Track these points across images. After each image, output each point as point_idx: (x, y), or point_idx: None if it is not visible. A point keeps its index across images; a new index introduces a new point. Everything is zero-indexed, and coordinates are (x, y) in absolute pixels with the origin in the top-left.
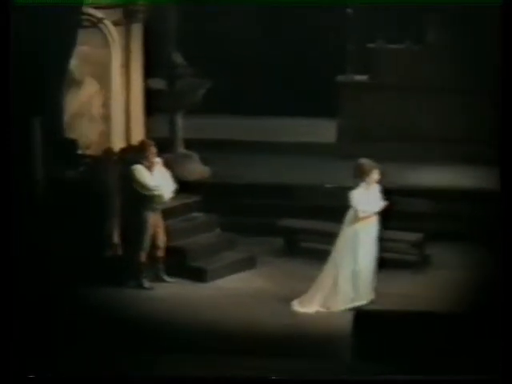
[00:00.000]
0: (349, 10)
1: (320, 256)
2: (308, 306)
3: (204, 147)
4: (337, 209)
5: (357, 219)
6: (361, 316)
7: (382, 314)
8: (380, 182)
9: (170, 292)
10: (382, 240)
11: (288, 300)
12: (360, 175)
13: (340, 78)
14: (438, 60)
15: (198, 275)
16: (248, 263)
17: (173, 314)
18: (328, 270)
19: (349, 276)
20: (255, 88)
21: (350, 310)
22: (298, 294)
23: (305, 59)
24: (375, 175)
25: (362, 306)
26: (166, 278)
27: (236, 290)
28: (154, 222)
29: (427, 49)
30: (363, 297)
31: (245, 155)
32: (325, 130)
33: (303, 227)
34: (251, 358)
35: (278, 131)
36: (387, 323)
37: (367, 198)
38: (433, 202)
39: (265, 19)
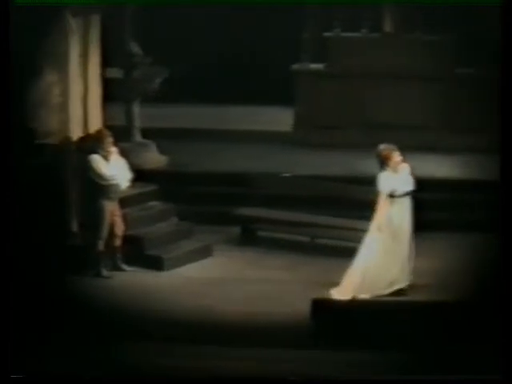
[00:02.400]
0: None
1: (276, 245)
2: (348, 293)
3: (161, 136)
4: (293, 197)
5: (389, 202)
6: (318, 305)
7: (339, 302)
8: (397, 165)
9: (128, 280)
10: (338, 229)
11: (244, 288)
12: (382, 161)
13: (296, 66)
14: (394, 48)
15: (156, 264)
16: (205, 252)
17: (131, 303)
18: (364, 255)
19: (386, 260)
20: (212, 76)
21: (392, 293)
22: (253, 282)
23: (261, 48)
24: (396, 158)
25: (401, 289)
26: (123, 266)
27: (193, 279)
28: (112, 211)
29: (383, 37)
30: (402, 280)
31: (202, 144)
32: (281, 119)
33: (260, 216)
34: (209, 345)
35: (235, 119)
36: (344, 312)
37: (395, 181)
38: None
39: (222, 8)
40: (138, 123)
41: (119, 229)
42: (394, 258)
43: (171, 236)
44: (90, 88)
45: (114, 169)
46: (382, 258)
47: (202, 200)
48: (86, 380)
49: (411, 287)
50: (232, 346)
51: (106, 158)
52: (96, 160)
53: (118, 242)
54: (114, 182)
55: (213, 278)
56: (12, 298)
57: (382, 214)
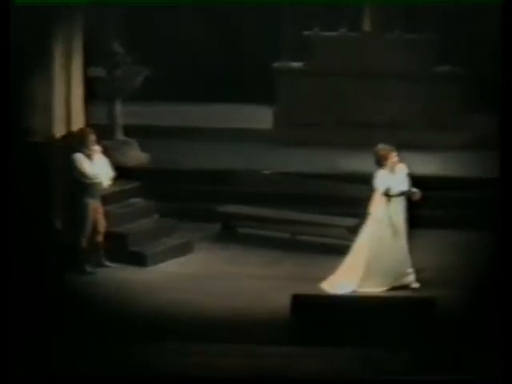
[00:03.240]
0: None
1: (256, 241)
2: (339, 287)
3: (143, 134)
4: (274, 195)
5: (384, 201)
6: (298, 300)
7: (319, 298)
8: (394, 165)
9: (111, 276)
10: (318, 225)
11: (224, 284)
12: (380, 161)
13: (276, 64)
14: (373, 47)
15: (138, 260)
16: (186, 248)
17: (114, 298)
18: (358, 251)
19: (380, 258)
20: (193, 75)
21: (387, 290)
22: (234, 278)
23: (242, 46)
24: (393, 158)
25: (397, 286)
26: (106, 263)
27: (175, 274)
28: (94, 208)
29: (363, 36)
30: (398, 278)
31: (183, 141)
32: (262, 117)
33: (240, 213)
34: (189, 340)
35: (216, 118)
36: (323, 307)
37: (391, 180)
38: (369, 187)
39: (202, 7)
40: (120, 121)
41: (101, 226)
42: (396, 253)
43: (153, 232)
44: (73, 87)
45: (97, 167)
46: (384, 253)
47: (184, 197)
48: (84, 379)
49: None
50: (212, 340)
51: (88, 156)
52: (79, 159)
53: (100, 239)
54: (97, 180)
55: (194, 274)
56: None
57: (378, 211)
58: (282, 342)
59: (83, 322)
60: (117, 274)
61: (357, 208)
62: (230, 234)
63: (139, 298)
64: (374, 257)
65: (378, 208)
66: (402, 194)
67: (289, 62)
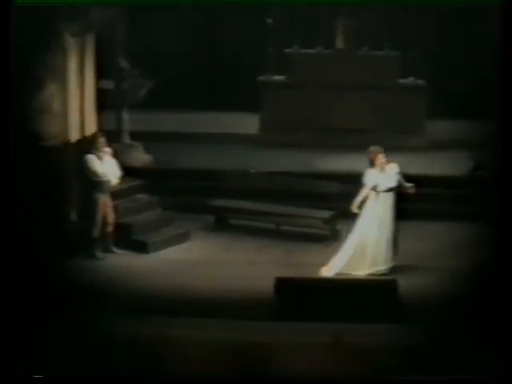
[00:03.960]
0: (269, 20)
1: (245, 231)
2: (334, 271)
3: (146, 138)
4: (260, 190)
5: (373, 196)
6: (281, 282)
7: (299, 280)
8: (384, 165)
9: (118, 261)
10: (298, 217)
11: (218, 268)
12: (371, 161)
13: (262, 78)
14: (345, 62)
15: (142, 247)
16: (184, 237)
17: (120, 280)
18: (351, 241)
19: (367, 247)
20: (191, 87)
21: (370, 274)
22: (226, 263)
23: (232, 63)
24: (381, 158)
25: (380, 271)
26: (114, 249)
27: (173, 260)
28: (104, 202)
29: (336, 53)
30: (380, 264)
31: (182, 144)
32: (249, 123)
33: (231, 206)
34: (187, 317)
35: (209, 124)
36: (304, 288)
37: (380, 178)
38: (342, 184)
39: (199, 29)
40: (126, 127)
41: (110, 218)
42: (381, 243)
43: (155, 223)
44: (86, 97)
45: (106, 167)
46: (371, 243)
47: (182, 193)
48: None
49: (395, 269)
50: (206, 317)
51: (99, 157)
52: (91, 159)
53: (109, 229)
54: (106, 178)
55: (191, 260)
56: (15, 279)
57: (367, 205)
58: (267, 318)
59: (94, 299)
60: (123, 260)
61: (332, 202)
62: (222, 224)
63: (141, 280)
64: (362, 246)
65: (367, 203)
66: (389, 190)
67: (272, 76)
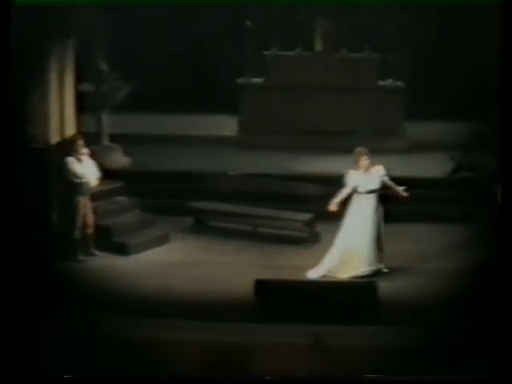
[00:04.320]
0: (248, 23)
1: (224, 233)
2: (320, 273)
3: (125, 140)
4: (238, 192)
5: (355, 197)
6: (261, 284)
7: (278, 282)
8: (368, 167)
9: (99, 264)
10: (277, 219)
11: (197, 270)
12: (355, 162)
13: (241, 80)
14: (324, 64)
15: (122, 249)
16: (163, 239)
17: (101, 282)
18: (337, 242)
19: (351, 248)
20: (169, 89)
21: (353, 277)
22: (205, 265)
23: (211, 65)
24: (364, 161)
25: (364, 273)
26: (95, 252)
27: (153, 262)
28: (84, 204)
29: (315, 55)
30: (364, 266)
31: (160, 147)
32: (228, 125)
33: (210, 208)
34: (167, 319)
35: (188, 126)
36: (283, 290)
37: (362, 179)
38: (322, 186)
39: (179, 31)
40: (106, 130)
41: (90, 219)
42: (364, 245)
43: (135, 225)
44: (66, 100)
45: (85, 169)
46: (354, 244)
47: (161, 195)
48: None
49: (378, 272)
50: (187, 318)
51: (78, 159)
52: (70, 161)
53: (89, 231)
54: (86, 179)
55: (170, 262)
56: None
57: (350, 206)
58: (246, 319)
59: (74, 300)
60: (104, 262)
61: (310, 204)
62: (201, 226)
63: (122, 281)
64: (345, 248)
65: (351, 204)
66: (371, 192)
67: (251, 78)
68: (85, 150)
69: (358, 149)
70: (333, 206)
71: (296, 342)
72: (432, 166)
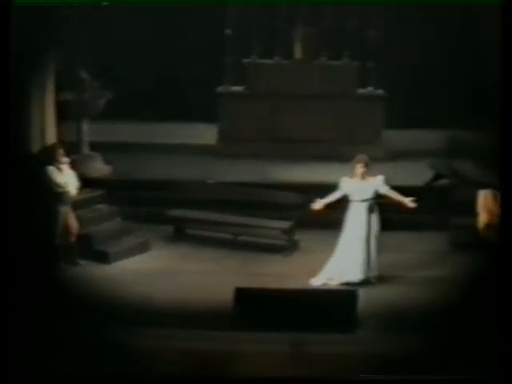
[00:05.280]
0: (227, 31)
1: (203, 241)
2: (321, 281)
3: (106, 148)
4: (218, 201)
5: (349, 205)
6: (240, 292)
7: (258, 290)
8: (364, 175)
9: (80, 271)
10: (257, 227)
11: (177, 278)
12: (353, 169)
13: (220, 88)
14: (303, 72)
15: (103, 257)
16: (144, 247)
17: (84, 290)
18: (337, 250)
19: (343, 256)
20: (148, 98)
21: (344, 284)
22: (185, 273)
23: (190, 73)
24: (359, 169)
25: (353, 281)
26: (78, 261)
27: (134, 270)
28: (65, 213)
29: (294, 63)
30: (353, 274)
31: (140, 155)
32: (207, 133)
33: (189, 217)
34: (147, 327)
35: (167, 134)
36: (262, 298)
37: (354, 187)
38: (300, 194)
39: (158, 40)
40: (86, 138)
41: (73, 228)
42: (355, 253)
43: (115, 234)
44: (46, 109)
45: (66, 178)
46: (343, 252)
47: (141, 203)
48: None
49: (366, 281)
50: (167, 327)
51: (59, 168)
52: (51, 170)
53: (73, 240)
54: (66, 189)
55: (151, 269)
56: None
57: (346, 214)
58: (226, 327)
59: (56, 308)
60: (85, 270)
61: (289, 213)
62: (181, 234)
63: (103, 289)
64: (338, 255)
65: (347, 212)
66: (363, 200)
67: (230, 87)
68: (65, 159)
69: (358, 156)
70: (317, 205)
71: (276, 350)
72: (412, 174)
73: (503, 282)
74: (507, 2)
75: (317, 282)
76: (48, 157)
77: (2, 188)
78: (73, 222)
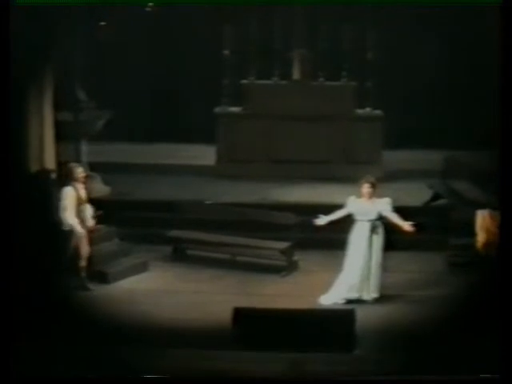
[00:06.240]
0: (225, 52)
1: (202, 261)
2: (332, 300)
3: (105, 169)
4: (216, 221)
5: (354, 224)
6: (239, 312)
7: (256, 311)
8: (371, 196)
9: (79, 291)
10: (255, 248)
11: (175, 298)
12: (359, 189)
13: (218, 109)
14: (301, 93)
15: (102, 278)
16: (142, 267)
17: (82, 310)
18: (344, 269)
19: (347, 274)
20: (148, 119)
21: (351, 302)
22: (183, 293)
23: (188, 94)
24: (364, 189)
25: (360, 299)
26: (89, 286)
27: (132, 290)
28: (79, 236)
29: (292, 83)
30: (355, 292)
31: (139, 176)
32: (205, 154)
33: (188, 237)
34: (146, 346)
35: (166, 155)
36: (260, 318)
37: (360, 207)
38: (298, 215)
39: (157, 60)
40: (85, 159)
41: (85, 251)
42: (358, 271)
43: (114, 254)
44: (45, 129)
45: (82, 208)
46: (350, 270)
47: (140, 223)
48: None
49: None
50: (165, 346)
51: (76, 189)
52: (69, 192)
53: (83, 263)
54: (78, 228)
55: (149, 290)
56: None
57: (351, 233)
58: (224, 347)
59: (58, 327)
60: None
61: (287, 233)
62: (179, 255)
63: (102, 309)
64: (344, 273)
65: (351, 230)
66: (367, 221)
67: (228, 107)
68: (82, 175)
69: (366, 176)
70: (320, 221)
71: (274, 370)
72: (410, 195)
73: (503, 301)
74: (507, 2)
75: (327, 300)
76: (65, 177)
77: (12, 209)
78: (84, 246)
